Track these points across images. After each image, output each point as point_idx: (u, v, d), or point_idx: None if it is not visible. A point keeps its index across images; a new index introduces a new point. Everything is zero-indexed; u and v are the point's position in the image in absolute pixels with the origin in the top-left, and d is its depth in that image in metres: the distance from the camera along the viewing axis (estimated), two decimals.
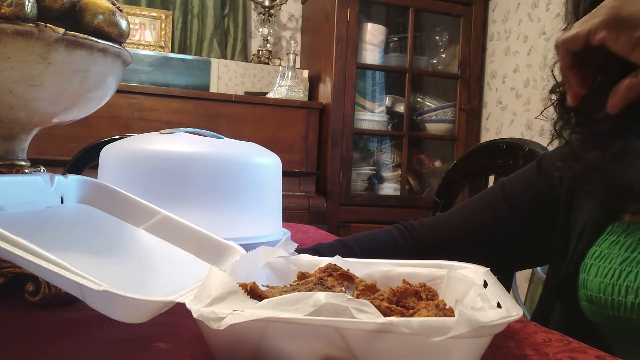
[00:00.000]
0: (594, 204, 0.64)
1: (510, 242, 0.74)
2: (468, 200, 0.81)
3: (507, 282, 1.09)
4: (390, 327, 0.32)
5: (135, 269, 0.50)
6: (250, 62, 2.82)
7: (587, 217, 0.64)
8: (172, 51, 2.72)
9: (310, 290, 0.39)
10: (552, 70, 0.64)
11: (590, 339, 0.47)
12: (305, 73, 2.74)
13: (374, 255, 0.59)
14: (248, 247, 0.52)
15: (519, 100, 2.60)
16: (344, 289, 0.45)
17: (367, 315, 0.33)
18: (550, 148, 0.90)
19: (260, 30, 2.85)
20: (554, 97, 0.64)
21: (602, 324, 0.60)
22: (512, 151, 1.08)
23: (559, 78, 0.63)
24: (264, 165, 0.77)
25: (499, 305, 0.39)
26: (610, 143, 0.57)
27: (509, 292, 0.96)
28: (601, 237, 0.61)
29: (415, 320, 0.32)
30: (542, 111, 0.67)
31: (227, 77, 2.65)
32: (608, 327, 0.59)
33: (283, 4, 2.89)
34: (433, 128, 2.83)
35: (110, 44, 0.54)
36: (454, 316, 0.34)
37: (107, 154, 0.73)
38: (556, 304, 0.68)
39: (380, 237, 0.76)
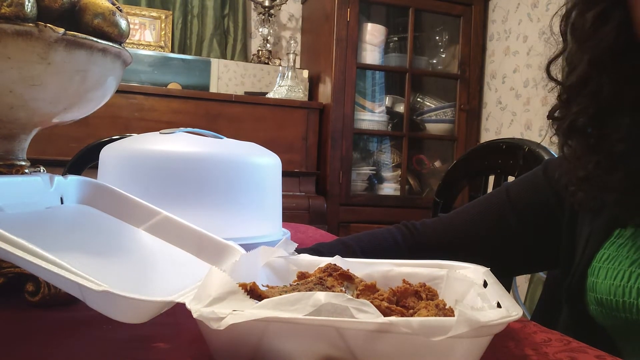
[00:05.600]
0: (599, 210, 0.63)
1: (514, 246, 0.74)
2: (472, 202, 0.81)
3: (507, 283, 1.09)
4: (390, 327, 0.32)
5: (135, 269, 0.50)
6: (250, 62, 2.82)
7: (593, 223, 0.64)
8: (172, 51, 2.72)
9: (310, 290, 0.39)
10: (547, 71, 0.64)
11: (599, 344, 0.47)
12: (305, 73, 2.74)
13: (374, 255, 0.59)
14: (248, 247, 0.52)
15: (519, 101, 2.60)
16: (343, 289, 0.45)
17: (367, 315, 0.33)
18: (551, 149, 0.90)
19: (260, 30, 2.85)
20: (558, 127, 0.63)
21: (612, 327, 0.59)
22: (511, 151, 1.08)
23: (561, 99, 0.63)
24: (264, 165, 0.77)
25: (498, 305, 0.39)
26: (629, 163, 0.56)
27: (509, 292, 0.96)
28: (609, 240, 0.61)
29: (415, 320, 0.32)
30: (544, 137, 0.67)
31: (227, 77, 2.65)
32: (619, 330, 0.58)
33: (283, 4, 2.89)
34: (433, 128, 2.83)
35: (110, 44, 0.54)
36: (453, 316, 0.34)
37: (107, 154, 0.73)
38: (563, 309, 0.68)
39: (380, 237, 0.76)
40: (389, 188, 2.74)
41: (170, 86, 2.52)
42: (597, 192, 0.59)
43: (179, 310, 0.39)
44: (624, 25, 0.54)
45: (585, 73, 0.58)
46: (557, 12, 0.61)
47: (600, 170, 0.58)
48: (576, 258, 0.65)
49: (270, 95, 2.61)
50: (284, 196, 0.83)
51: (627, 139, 0.56)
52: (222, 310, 0.33)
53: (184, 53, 2.74)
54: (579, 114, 0.60)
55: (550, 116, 0.64)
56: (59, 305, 0.49)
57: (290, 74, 2.65)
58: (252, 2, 2.87)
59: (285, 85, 2.63)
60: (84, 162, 1.42)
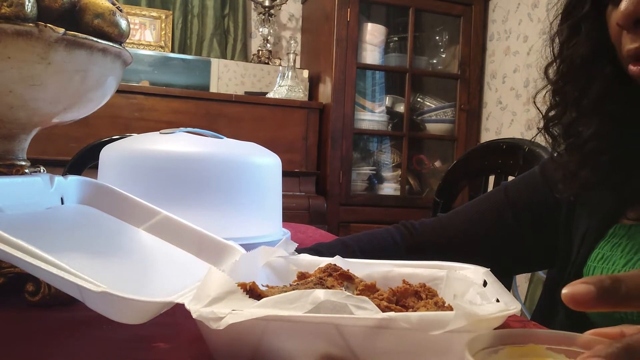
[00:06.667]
0: (595, 208, 0.64)
1: (513, 245, 0.74)
2: (470, 202, 0.81)
3: (507, 282, 1.09)
4: (389, 323, 0.32)
5: (135, 270, 0.50)
6: (250, 62, 2.82)
7: (588, 221, 0.65)
8: (172, 51, 2.72)
9: None
10: (533, 99, 0.67)
11: None
12: (305, 73, 2.74)
13: (373, 255, 0.59)
14: (248, 247, 0.52)
15: (519, 100, 2.60)
16: (343, 289, 0.45)
17: (366, 312, 0.33)
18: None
19: (260, 30, 2.85)
20: (541, 124, 0.67)
21: (607, 326, 0.59)
22: (512, 151, 1.08)
23: (540, 107, 0.67)
24: (264, 165, 0.77)
25: (497, 301, 0.39)
26: (601, 159, 0.59)
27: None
28: (603, 240, 0.62)
29: (414, 314, 0.32)
30: (534, 136, 0.70)
31: (227, 77, 2.65)
32: None
33: (283, 4, 2.89)
34: (433, 128, 2.83)
35: (110, 44, 0.54)
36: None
37: (107, 154, 0.73)
38: (560, 309, 0.68)
39: (379, 237, 0.76)
40: (389, 188, 2.74)
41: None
42: (581, 189, 0.62)
43: (179, 310, 0.39)
44: (593, 34, 0.58)
45: (563, 78, 0.62)
46: (556, 17, 0.63)
47: (579, 167, 0.61)
48: (572, 257, 0.65)
49: (270, 95, 2.61)
50: (284, 196, 0.83)
51: (601, 137, 0.59)
52: (221, 310, 0.33)
53: (184, 53, 2.74)
54: (561, 115, 0.63)
55: (545, 116, 0.67)
56: (59, 305, 0.49)
57: (290, 74, 2.65)
58: (252, 2, 2.87)
59: (285, 85, 2.63)
60: (84, 162, 1.42)
